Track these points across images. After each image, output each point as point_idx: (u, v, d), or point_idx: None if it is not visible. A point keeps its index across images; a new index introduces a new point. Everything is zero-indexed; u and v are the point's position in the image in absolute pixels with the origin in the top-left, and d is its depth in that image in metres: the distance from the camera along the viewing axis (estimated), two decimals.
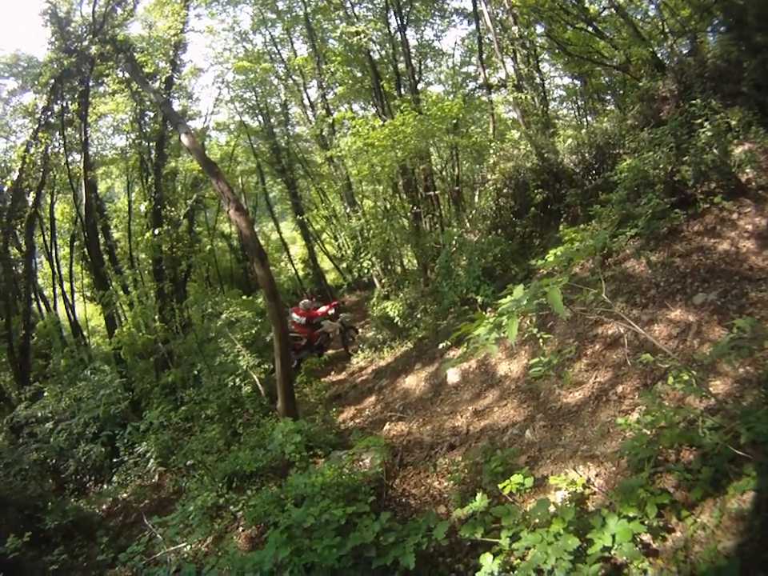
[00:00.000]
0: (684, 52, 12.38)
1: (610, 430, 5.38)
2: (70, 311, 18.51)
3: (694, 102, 8.60)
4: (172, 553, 6.16)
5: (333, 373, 12.95)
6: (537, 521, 4.22)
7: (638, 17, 16.25)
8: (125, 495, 9.52)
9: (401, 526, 5.05)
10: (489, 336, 3.33)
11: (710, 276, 6.70)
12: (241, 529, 6.83)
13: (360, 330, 14.15)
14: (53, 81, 13.84)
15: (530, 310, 3.27)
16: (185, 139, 9.90)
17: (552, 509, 4.33)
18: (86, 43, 13.32)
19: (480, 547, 4.47)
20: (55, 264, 18.86)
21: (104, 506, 9.51)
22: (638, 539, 3.89)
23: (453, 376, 8.70)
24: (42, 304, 19.06)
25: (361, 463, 6.80)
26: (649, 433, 4.60)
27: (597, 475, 4.98)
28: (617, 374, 6.21)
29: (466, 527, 4.63)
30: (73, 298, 19.38)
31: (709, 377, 5.24)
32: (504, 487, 4.82)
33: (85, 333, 19.87)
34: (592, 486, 4.83)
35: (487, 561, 4.08)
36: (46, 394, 11.10)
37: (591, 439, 5.44)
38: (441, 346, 8.78)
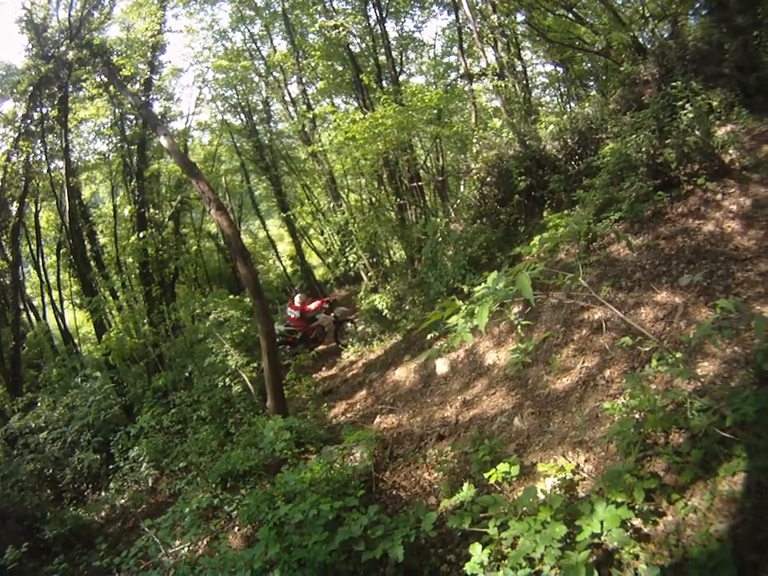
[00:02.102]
0: (665, 35, 12.39)
1: (598, 415, 5.38)
2: (59, 319, 18.44)
3: (675, 84, 8.58)
4: (170, 555, 6.14)
5: (324, 368, 12.92)
6: (525, 509, 4.21)
7: (619, 1, 16.23)
8: (122, 501, 9.50)
9: (389, 518, 5.05)
10: (465, 325, 3.30)
11: (696, 257, 6.69)
12: (236, 528, 6.85)
13: (349, 325, 14.09)
14: (31, 88, 13.68)
15: (504, 298, 3.24)
16: (164, 141, 9.88)
17: (541, 496, 4.32)
18: (63, 49, 13.14)
19: (470, 537, 4.46)
20: (43, 273, 18.77)
21: (102, 513, 9.48)
22: (629, 524, 3.88)
23: (442, 366, 8.69)
24: (31, 314, 18.98)
25: (351, 457, 6.79)
26: (637, 416, 4.60)
27: (586, 461, 4.99)
28: (604, 358, 6.20)
29: (454, 518, 4.62)
30: (62, 306, 19.30)
31: (697, 358, 5.21)
32: (489, 476, 4.80)
33: (76, 340, 19.82)
34: (581, 472, 4.83)
35: (476, 551, 4.07)
36: (38, 403, 11.03)
37: (580, 425, 5.42)
38: (429, 336, 8.77)
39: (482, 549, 4.08)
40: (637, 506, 3.90)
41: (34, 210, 17.97)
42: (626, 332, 6.06)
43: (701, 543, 3.54)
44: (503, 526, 4.21)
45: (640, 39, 13.11)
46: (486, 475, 4.87)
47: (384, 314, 11.54)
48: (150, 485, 9.44)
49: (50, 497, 9.57)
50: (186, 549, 6.27)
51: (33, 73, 13.52)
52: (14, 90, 14.15)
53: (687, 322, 5.89)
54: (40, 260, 18.59)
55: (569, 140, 10.32)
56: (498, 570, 3.97)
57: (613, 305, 6.40)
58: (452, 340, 3.48)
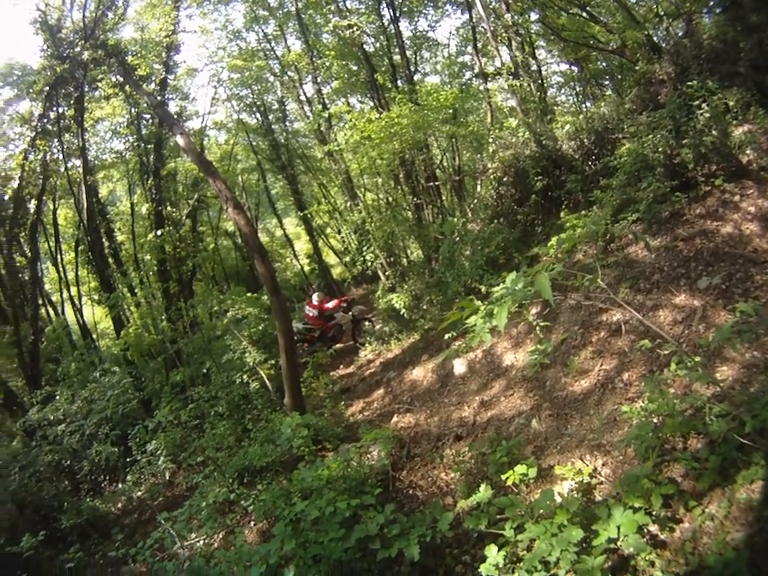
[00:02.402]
0: (680, 34, 12.26)
1: (616, 418, 5.38)
2: (78, 315, 18.65)
3: (691, 83, 8.50)
4: (185, 548, 6.21)
5: (341, 366, 12.99)
6: (541, 512, 4.24)
7: (632, 0, 16.10)
8: (139, 493, 9.66)
9: (405, 517, 5.09)
10: (484, 325, 3.32)
11: (714, 259, 6.64)
12: (252, 523, 6.92)
13: (367, 323, 14.07)
14: (47, 88, 13.83)
15: (523, 298, 3.26)
16: (180, 140, 9.97)
17: (558, 499, 4.34)
18: (78, 49, 13.21)
19: (486, 538, 4.49)
20: (61, 269, 19.00)
21: (119, 505, 9.66)
22: (646, 530, 3.87)
23: (460, 367, 8.71)
24: (50, 309, 19.20)
25: (368, 455, 6.84)
26: (654, 421, 4.59)
27: (603, 464, 4.99)
28: (622, 361, 6.19)
29: (471, 519, 4.65)
30: (80, 301, 19.52)
31: (715, 362, 5.20)
32: (507, 478, 4.82)
33: (94, 336, 20.02)
34: (599, 476, 4.83)
35: (492, 552, 4.10)
36: (57, 397, 11.16)
37: (598, 428, 5.43)
38: (446, 336, 8.79)
39: (498, 550, 4.11)
40: (654, 512, 3.91)
41: (51, 207, 18.24)
42: (644, 334, 6.04)
43: (717, 551, 3.55)
44: (519, 529, 4.23)
45: (655, 38, 13.01)
46: (503, 477, 4.88)
47: (401, 313, 11.51)
48: (167, 478, 9.57)
49: (67, 487, 9.73)
50: (202, 542, 6.35)
51: (48, 73, 13.64)
52: (31, 90, 14.35)
53: (706, 325, 5.86)
54: (58, 256, 18.86)
55: (585, 140, 10.26)
56: (512, 573, 4.00)
57: (631, 307, 6.39)
58: (470, 340, 3.49)
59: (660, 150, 7.98)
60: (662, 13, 13.70)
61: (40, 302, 16.62)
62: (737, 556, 3.38)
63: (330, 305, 13.69)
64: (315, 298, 13.84)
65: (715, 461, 4.00)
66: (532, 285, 3.23)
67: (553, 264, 3.45)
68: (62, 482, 9.71)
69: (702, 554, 3.65)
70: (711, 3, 12.03)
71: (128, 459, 9.95)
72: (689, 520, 3.92)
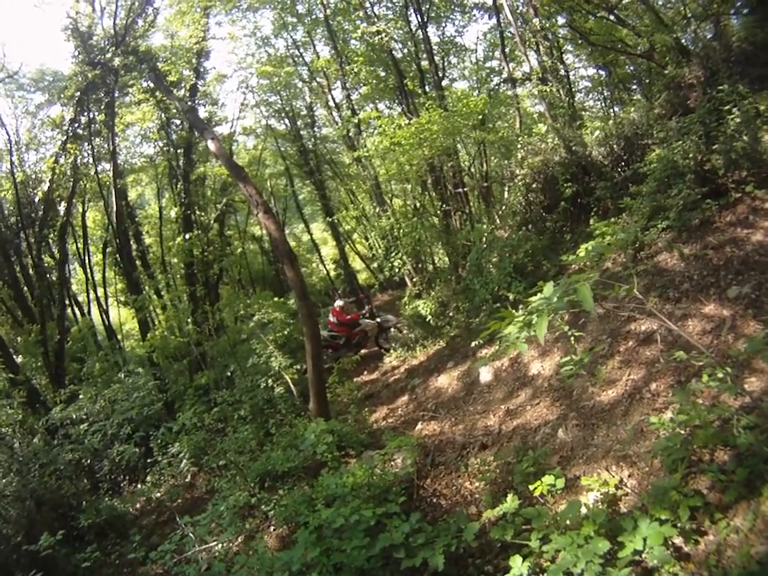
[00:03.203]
0: (708, 36, 12.08)
1: (643, 429, 5.28)
2: (104, 316, 18.93)
3: (721, 87, 8.33)
4: (204, 551, 6.19)
5: (366, 372, 12.94)
6: (567, 523, 4.18)
7: (660, 2, 15.92)
8: (158, 494, 9.67)
9: (430, 526, 5.04)
10: (519, 335, 3.28)
11: (744, 268, 6.53)
12: (272, 528, 6.90)
13: (393, 330, 14.00)
14: (78, 93, 13.99)
15: (559, 308, 3.21)
16: (211, 145, 9.99)
17: (583, 510, 4.28)
18: (109, 55, 13.28)
19: (510, 549, 4.43)
20: (89, 270, 19.40)
21: (137, 505, 9.68)
22: (670, 542, 3.82)
23: (485, 375, 8.63)
24: (76, 309, 19.48)
25: (392, 463, 6.80)
26: (682, 432, 4.51)
27: (630, 476, 4.91)
28: (650, 371, 6.09)
29: (496, 529, 4.59)
30: (107, 302, 19.87)
31: (744, 373, 5.10)
32: (535, 488, 4.76)
33: (119, 336, 20.28)
34: (625, 487, 4.75)
35: (517, 563, 4.03)
36: (80, 396, 11.25)
37: (624, 438, 5.34)
38: (473, 344, 8.71)
39: (522, 561, 4.04)
40: (679, 524, 3.84)
41: (81, 210, 18.61)
42: (672, 344, 5.97)
43: (741, 565, 3.48)
44: (545, 539, 4.17)
45: (683, 41, 12.80)
46: (531, 487, 4.83)
47: (427, 319, 11.43)
48: (187, 480, 9.59)
49: (86, 486, 9.70)
50: (221, 546, 6.32)
51: (80, 78, 13.79)
52: (62, 95, 14.54)
53: (735, 336, 5.76)
54: (86, 258, 19.26)
55: (614, 146, 10.13)
56: None
57: (660, 315, 6.30)
58: (505, 349, 3.47)
59: (690, 156, 7.87)
60: (690, 15, 13.49)
61: (67, 302, 16.87)
62: (761, 570, 3.33)
63: (349, 317, 13.72)
64: (338, 303, 13.89)
65: (742, 473, 3.93)
66: (567, 294, 3.19)
67: (590, 274, 3.40)
68: (81, 480, 9.70)
69: (725, 567, 3.58)
70: (738, 4, 11.84)
71: (148, 460, 10.03)
72: (713, 533, 3.85)
